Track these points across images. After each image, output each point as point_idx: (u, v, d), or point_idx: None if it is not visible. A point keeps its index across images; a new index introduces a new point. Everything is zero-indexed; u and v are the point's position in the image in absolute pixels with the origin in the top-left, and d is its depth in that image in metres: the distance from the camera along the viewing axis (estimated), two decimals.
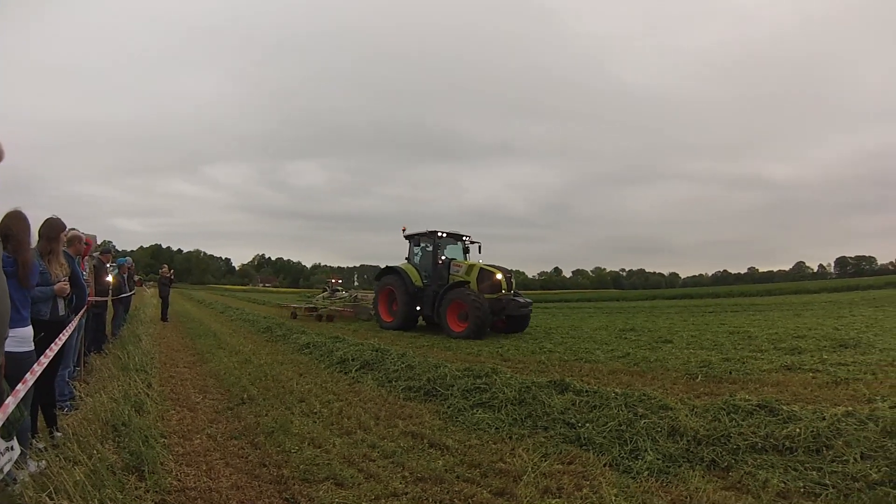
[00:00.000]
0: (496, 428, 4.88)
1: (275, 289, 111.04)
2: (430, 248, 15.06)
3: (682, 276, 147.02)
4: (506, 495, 3.49)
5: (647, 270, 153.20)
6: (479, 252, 15.37)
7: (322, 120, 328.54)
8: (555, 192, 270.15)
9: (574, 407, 5.07)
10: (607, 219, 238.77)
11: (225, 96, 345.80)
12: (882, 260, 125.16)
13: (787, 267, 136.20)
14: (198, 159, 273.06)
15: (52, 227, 4.40)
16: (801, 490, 3.32)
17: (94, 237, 8.05)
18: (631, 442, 4.21)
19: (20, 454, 2.86)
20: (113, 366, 7.01)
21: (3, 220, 3.50)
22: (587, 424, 4.64)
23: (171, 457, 4.09)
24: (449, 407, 5.60)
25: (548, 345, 10.75)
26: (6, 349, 2.89)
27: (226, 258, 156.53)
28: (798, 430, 3.94)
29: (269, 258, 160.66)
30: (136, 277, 20.27)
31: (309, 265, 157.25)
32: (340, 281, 29.86)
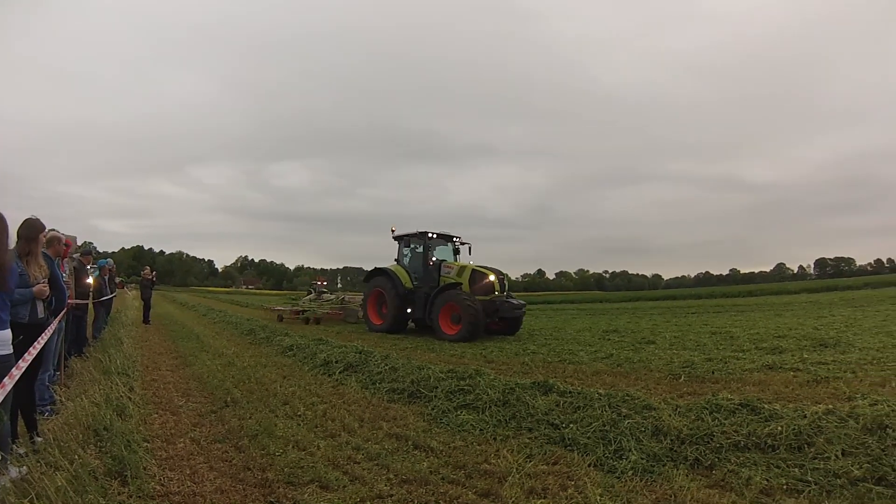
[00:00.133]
0: (480, 429, 4.91)
1: (258, 291, 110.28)
2: (421, 250, 14.78)
3: (665, 277, 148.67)
4: (491, 496, 3.52)
5: (630, 272, 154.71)
6: (470, 253, 15.20)
7: (305, 121, 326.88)
8: (538, 193, 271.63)
9: (558, 408, 5.11)
10: (590, 220, 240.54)
11: (208, 97, 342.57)
12: (861, 261, 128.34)
13: (767, 268, 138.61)
14: (180, 160, 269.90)
15: (31, 228, 4.33)
16: (784, 487, 3.39)
17: (74, 238, 7.95)
18: (615, 442, 4.25)
19: (0, 459, 2.84)
20: (94, 369, 6.91)
21: None
22: (571, 425, 4.67)
23: (153, 461, 4.06)
24: (433, 409, 5.61)
25: (531, 346, 10.81)
26: None
27: (209, 260, 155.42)
28: (780, 428, 4.01)
29: (253, 260, 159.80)
30: (118, 279, 20.02)
31: (292, 267, 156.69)
32: (326, 283, 29.68)
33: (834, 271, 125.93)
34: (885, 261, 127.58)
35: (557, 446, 4.39)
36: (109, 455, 3.85)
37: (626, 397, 5.04)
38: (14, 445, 3.81)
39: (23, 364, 3.45)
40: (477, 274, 13.43)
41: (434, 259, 14.46)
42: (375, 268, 15.51)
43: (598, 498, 3.34)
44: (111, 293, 12.66)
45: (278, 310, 20.95)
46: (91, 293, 9.70)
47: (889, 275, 73.86)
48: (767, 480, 3.48)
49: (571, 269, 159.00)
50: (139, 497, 3.38)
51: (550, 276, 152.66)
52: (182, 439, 4.71)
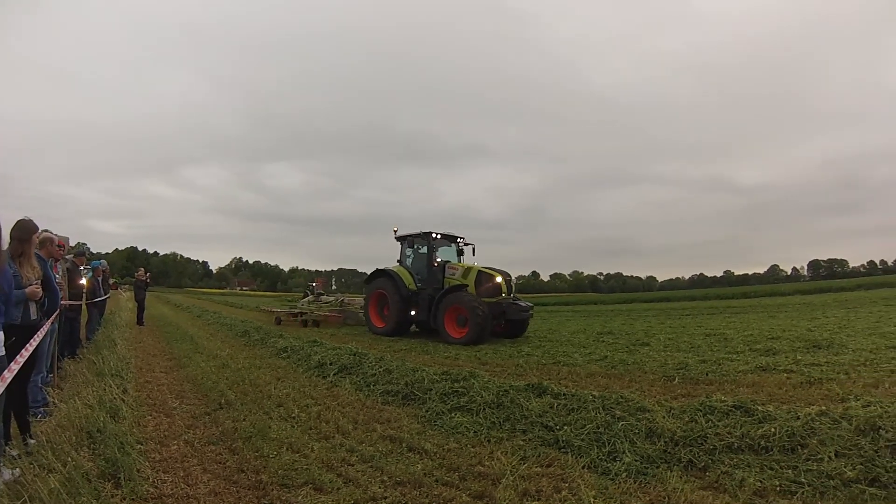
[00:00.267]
0: (474, 431, 4.91)
1: (252, 292, 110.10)
2: (424, 250, 14.37)
3: (660, 279, 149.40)
4: (485, 498, 3.53)
5: (624, 274, 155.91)
6: (474, 254, 14.85)
7: (299, 122, 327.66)
8: (531, 194, 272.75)
9: (552, 410, 5.12)
10: (584, 222, 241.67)
11: (202, 98, 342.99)
12: (854, 262, 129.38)
13: (761, 270, 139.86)
14: (175, 161, 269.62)
15: (24, 229, 4.32)
16: (777, 488, 3.41)
17: (67, 239, 7.94)
18: (609, 444, 4.25)
19: None
20: (87, 371, 6.89)
21: None
22: (565, 427, 4.68)
23: (147, 463, 4.05)
24: (427, 411, 5.62)
25: (525, 348, 10.82)
26: None
27: (203, 261, 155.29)
28: (773, 429, 4.03)
29: (247, 261, 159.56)
30: (112, 281, 19.90)
31: (286, 268, 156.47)
32: (322, 283, 29.53)
33: (827, 273, 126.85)
34: (877, 262, 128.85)
35: (551, 448, 4.40)
36: (103, 457, 3.84)
37: (621, 399, 5.05)
38: (7, 448, 3.79)
39: (15, 366, 3.43)
40: (483, 275, 13.07)
41: (438, 260, 14.10)
42: (377, 269, 15.11)
43: (592, 500, 3.35)
44: (105, 294, 12.62)
45: (276, 312, 20.45)
46: (84, 294, 9.66)
47: (882, 276, 74.18)
48: (761, 482, 3.50)
49: (566, 271, 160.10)
50: (132, 499, 3.38)
51: (545, 277, 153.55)
52: (176, 441, 4.70)
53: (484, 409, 5.39)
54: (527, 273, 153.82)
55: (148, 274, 19.21)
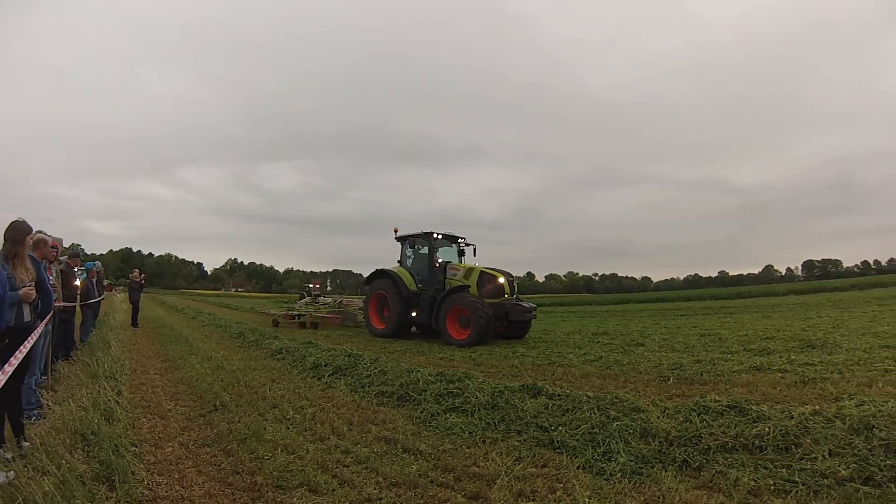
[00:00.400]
0: (469, 432, 4.92)
1: (247, 293, 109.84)
2: (425, 251, 14.11)
3: (655, 279, 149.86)
4: (480, 499, 3.53)
5: (619, 274, 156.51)
6: (475, 255, 14.63)
7: (295, 123, 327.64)
8: (526, 195, 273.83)
9: (547, 410, 5.13)
10: (579, 223, 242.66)
11: (199, 98, 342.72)
12: (847, 263, 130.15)
13: (756, 270, 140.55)
14: (170, 161, 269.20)
15: (18, 230, 4.31)
16: (772, 488, 3.43)
17: (61, 240, 7.91)
18: (604, 444, 4.26)
19: None
20: (82, 373, 6.87)
21: None
22: (560, 428, 4.69)
23: (142, 466, 4.04)
24: (422, 412, 5.63)
25: (520, 349, 10.81)
26: None
27: (198, 262, 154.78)
28: (767, 429, 4.05)
29: (242, 262, 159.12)
30: (106, 282, 19.84)
31: (282, 270, 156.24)
32: (319, 285, 29.37)
33: (821, 273, 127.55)
34: (871, 262, 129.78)
35: (546, 449, 4.41)
36: (97, 460, 3.83)
37: (615, 399, 5.07)
38: (1, 450, 3.78)
39: (9, 368, 3.42)
40: (486, 276, 12.86)
41: (440, 261, 13.88)
42: (377, 269, 14.85)
43: (587, 500, 3.37)
44: (99, 296, 12.57)
45: (273, 314, 20.07)
46: (78, 296, 9.62)
47: (876, 276, 74.69)
48: (755, 481, 3.52)
49: (561, 272, 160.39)
50: (127, 502, 3.37)
51: (540, 278, 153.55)
52: (170, 443, 4.69)
53: (479, 409, 5.39)
54: (522, 274, 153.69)
55: (142, 275, 19.14)
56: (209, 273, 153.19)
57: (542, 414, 5.07)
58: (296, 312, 19.35)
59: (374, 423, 5.38)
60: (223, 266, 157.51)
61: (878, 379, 6.28)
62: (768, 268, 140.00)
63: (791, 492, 3.36)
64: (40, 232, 5.54)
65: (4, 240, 4.26)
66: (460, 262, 14.49)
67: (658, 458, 4.01)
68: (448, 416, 5.39)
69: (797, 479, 3.46)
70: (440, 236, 14.08)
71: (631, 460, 3.97)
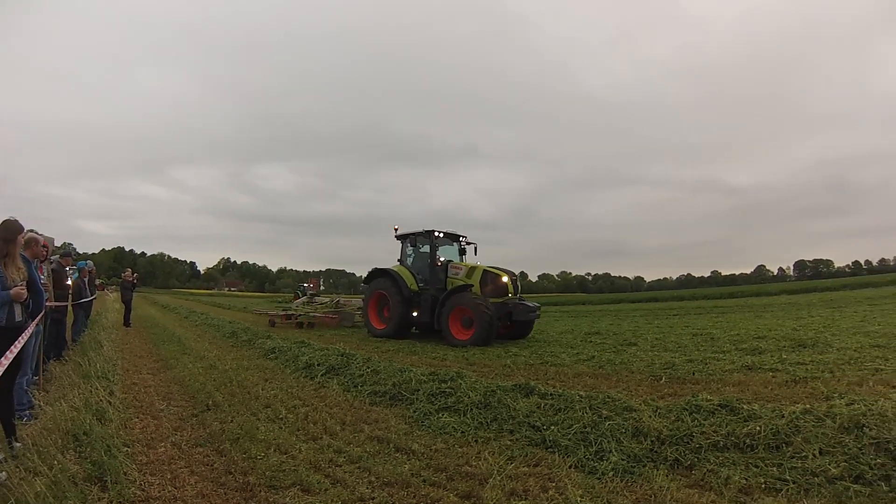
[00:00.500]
0: (462, 432, 4.94)
1: (240, 293, 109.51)
2: (426, 249, 13.84)
3: (647, 279, 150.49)
4: (472, 498, 3.55)
5: (612, 274, 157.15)
6: (476, 254, 14.43)
7: (290, 123, 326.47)
8: (521, 195, 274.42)
9: (539, 410, 5.15)
10: (573, 222, 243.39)
11: (193, 98, 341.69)
12: (839, 263, 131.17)
13: (748, 270, 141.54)
14: (163, 161, 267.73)
15: (9, 229, 4.29)
16: (763, 486, 3.46)
17: (52, 240, 7.87)
18: (596, 443, 4.29)
19: None
20: (73, 373, 6.83)
21: None
22: (552, 427, 4.71)
23: (134, 466, 4.04)
24: (414, 411, 5.64)
25: (513, 349, 10.82)
26: None
27: (191, 262, 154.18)
28: (758, 427, 4.07)
29: (235, 262, 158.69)
30: (98, 281, 19.71)
31: (275, 269, 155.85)
32: (315, 284, 29.19)
33: (813, 273, 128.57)
34: (862, 262, 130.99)
35: (538, 448, 4.43)
36: (89, 460, 3.83)
37: (607, 399, 5.08)
38: None
39: (0, 368, 3.42)
40: (489, 275, 12.66)
41: (441, 259, 13.67)
42: (376, 268, 14.56)
43: (579, 499, 3.39)
44: (91, 295, 12.50)
45: (270, 315, 19.61)
46: (70, 295, 9.57)
47: (867, 276, 75.34)
48: (746, 479, 3.55)
49: (554, 272, 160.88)
50: (119, 502, 3.37)
51: (533, 278, 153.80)
52: (163, 444, 4.68)
53: (471, 409, 5.41)
54: (516, 273, 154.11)
55: (135, 275, 19.05)
56: (202, 272, 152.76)
57: (534, 413, 5.09)
58: (293, 312, 19.16)
59: (367, 423, 5.39)
60: (216, 265, 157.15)
61: (869, 378, 6.32)
62: (760, 268, 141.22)
63: (782, 490, 3.39)
64: (31, 231, 5.51)
65: None
66: (461, 260, 14.32)
67: (650, 457, 4.03)
68: (440, 415, 5.40)
69: (788, 477, 3.50)
70: (441, 235, 13.82)
71: (623, 459, 4.00)
